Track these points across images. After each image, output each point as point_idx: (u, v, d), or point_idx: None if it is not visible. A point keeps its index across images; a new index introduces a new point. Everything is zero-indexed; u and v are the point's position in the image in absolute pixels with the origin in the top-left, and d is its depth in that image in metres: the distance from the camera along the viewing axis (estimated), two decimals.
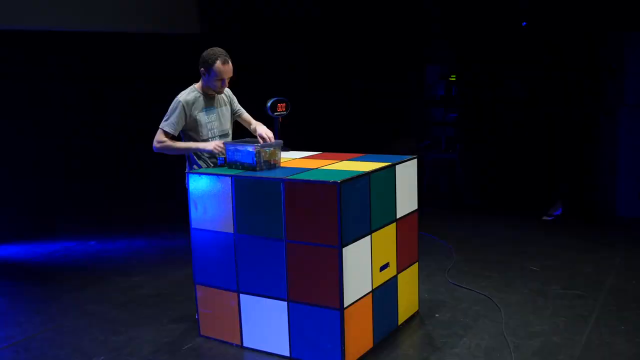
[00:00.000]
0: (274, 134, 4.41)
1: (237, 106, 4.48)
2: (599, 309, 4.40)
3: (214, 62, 4.05)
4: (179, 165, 4.68)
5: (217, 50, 4.11)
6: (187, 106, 4.12)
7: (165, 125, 4.11)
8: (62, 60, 8.24)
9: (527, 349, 3.84)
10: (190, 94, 4.17)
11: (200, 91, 4.20)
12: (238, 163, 4.01)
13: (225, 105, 4.36)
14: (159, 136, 4.12)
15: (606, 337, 3.97)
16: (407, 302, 4.33)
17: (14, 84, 8.06)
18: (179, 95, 4.17)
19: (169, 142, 4.13)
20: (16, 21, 6.91)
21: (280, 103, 4.77)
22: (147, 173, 8.96)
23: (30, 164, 8.37)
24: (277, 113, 4.74)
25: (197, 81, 4.24)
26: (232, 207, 3.87)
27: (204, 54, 4.12)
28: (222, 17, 8.71)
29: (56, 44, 8.04)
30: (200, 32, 8.66)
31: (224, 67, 4.08)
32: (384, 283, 4.01)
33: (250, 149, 3.92)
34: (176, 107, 4.11)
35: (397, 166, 4.09)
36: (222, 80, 4.11)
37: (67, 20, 7.35)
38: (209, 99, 4.23)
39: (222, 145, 4.11)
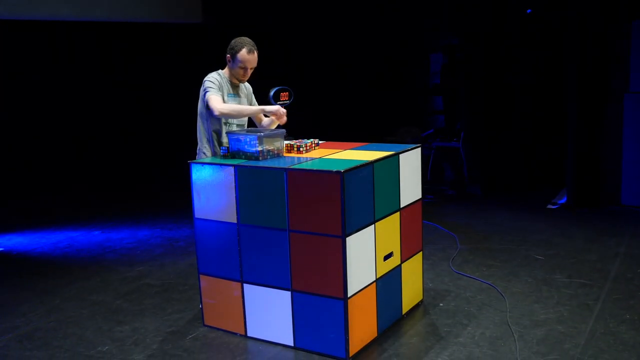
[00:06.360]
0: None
1: (254, 102, 4.55)
2: (604, 298, 4.39)
3: (240, 50, 4.15)
4: (181, 157, 4.66)
5: (246, 39, 4.21)
6: (219, 82, 4.19)
7: (213, 91, 4.11)
8: (66, 49, 8.23)
9: (532, 338, 3.83)
10: (217, 75, 4.25)
11: (226, 76, 4.28)
12: (241, 152, 3.99)
13: (246, 97, 4.44)
14: (216, 100, 4.08)
15: (611, 326, 3.96)
16: (411, 291, 4.32)
17: (20, 73, 8.05)
18: (208, 75, 4.22)
19: (231, 104, 4.17)
20: (20, 12, 6.92)
21: (283, 92, 4.74)
22: (150, 162, 8.96)
23: (33, 154, 8.38)
24: (280, 102, 4.71)
25: (204, 71, 4.29)
26: (235, 196, 3.86)
27: (233, 41, 4.21)
28: (225, 7, 8.67)
29: (60, 33, 8.02)
30: (202, 22, 8.62)
31: (249, 56, 4.17)
32: (387, 272, 4.00)
33: (253, 138, 3.91)
34: (213, 81, 4.16)
35: (400, 155, 4.07)
36: (245, 68, 4.20)
37: (71, 9, 7.33)
38: (234, 86, 4.31)
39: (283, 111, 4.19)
